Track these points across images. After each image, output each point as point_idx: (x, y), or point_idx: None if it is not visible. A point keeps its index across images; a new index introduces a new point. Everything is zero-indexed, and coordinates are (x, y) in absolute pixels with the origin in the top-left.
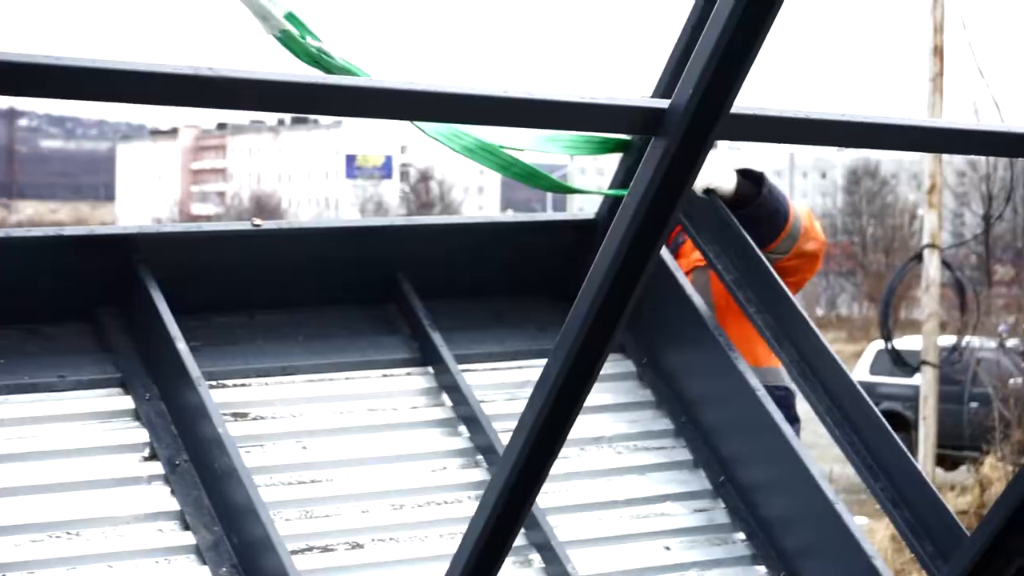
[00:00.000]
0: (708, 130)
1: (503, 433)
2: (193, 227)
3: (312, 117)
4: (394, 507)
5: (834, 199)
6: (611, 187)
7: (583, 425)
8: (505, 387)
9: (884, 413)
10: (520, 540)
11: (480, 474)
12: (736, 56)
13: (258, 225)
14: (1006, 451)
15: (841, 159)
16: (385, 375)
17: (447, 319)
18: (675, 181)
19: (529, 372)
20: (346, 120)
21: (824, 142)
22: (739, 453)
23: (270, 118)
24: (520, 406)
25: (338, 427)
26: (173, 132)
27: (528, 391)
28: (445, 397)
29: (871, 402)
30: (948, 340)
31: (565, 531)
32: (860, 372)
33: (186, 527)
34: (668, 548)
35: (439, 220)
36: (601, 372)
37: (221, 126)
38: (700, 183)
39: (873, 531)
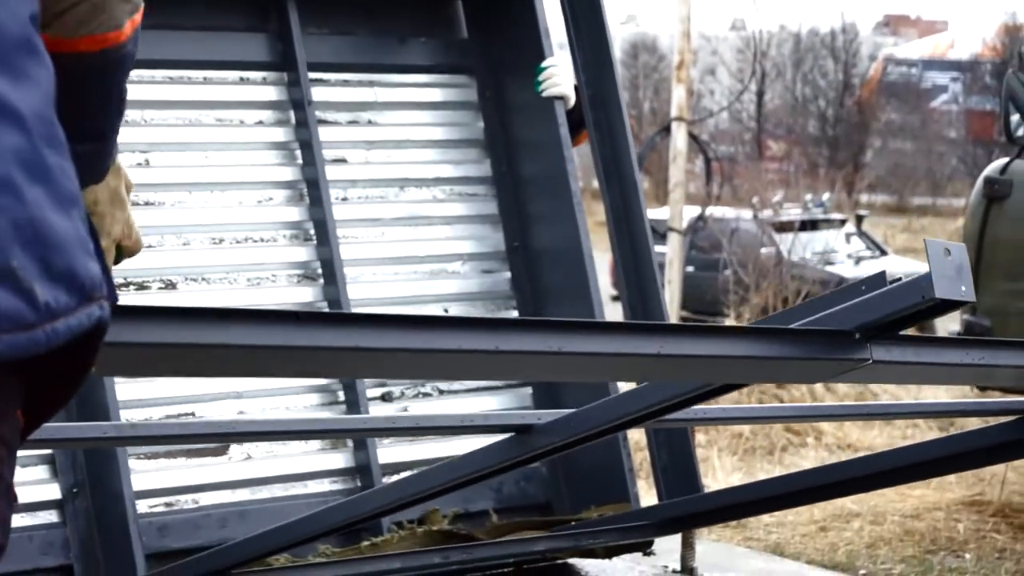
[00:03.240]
0: None
1: (331, 165)
2: None
3: None
4: (213, 241)
5: None
6: None
7: (412, 160)
8: (351, 107)
9: None
10: (315, 294)
11: (299, 213)
12: None
13: None
14: (745, 314)
15: (620, 32)
16: (242, 79)
17: (317, 21)
18: None
19: (378, 92)
20: None
21: None
22: (537, 213)
23: None
24: (360, 130)
25: (182, 141)
26: None
27: (370, 114)
28: (292, 115)
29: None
30: (722, 211)
31: (358, 289)
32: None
33: None
34: (446, 310)
35: None
36: (444, 98)
37: None
38: (560, 91)
39: None
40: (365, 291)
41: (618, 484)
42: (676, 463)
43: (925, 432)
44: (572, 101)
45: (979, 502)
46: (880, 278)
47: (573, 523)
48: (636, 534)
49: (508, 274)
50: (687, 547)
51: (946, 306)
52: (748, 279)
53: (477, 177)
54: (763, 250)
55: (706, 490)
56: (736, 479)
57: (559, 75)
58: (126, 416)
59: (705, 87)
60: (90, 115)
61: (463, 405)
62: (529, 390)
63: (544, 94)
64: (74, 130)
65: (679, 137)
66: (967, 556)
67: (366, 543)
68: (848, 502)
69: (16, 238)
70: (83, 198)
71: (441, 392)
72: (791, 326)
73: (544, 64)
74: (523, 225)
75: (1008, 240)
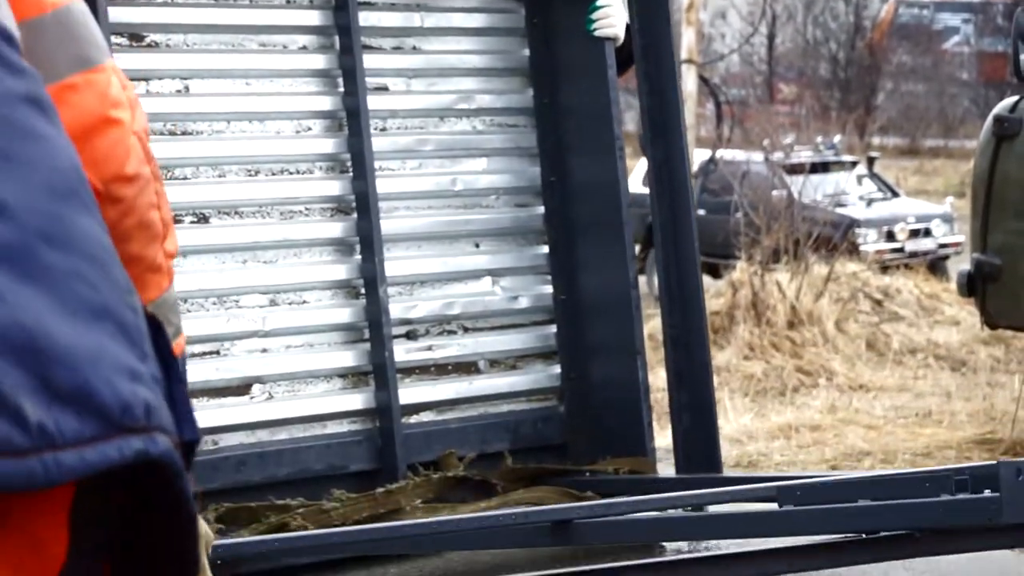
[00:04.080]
0: None
1: (372, 94)
2: None
3: None
4: (249, 174)
5: None
6: None
7: (454, 89)
8: (396, 33)
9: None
10: (346, 229)
11: (336, 144)
12: None
13: None
14: (756, 256)
15: None
16: (288, 1)
17: None
18: None
19: (424, 16)
20: None
21: None
22: (576, 148)
23: None
24: (404, 58)
25: (223, 68)
26: None
27: (415, 40)
28: (336, 40)
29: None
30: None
31: (390, 224)
32: (633, 185)
33: None
34: (478, 246)
35: None
36: (491, 23)
37: None
38: (613, 32)
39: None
40: (397, 225)
41: (636, 437)
42: (694, 406)
43: (937, 372)
44: (622, 40)
45: (990, 440)
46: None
47: (587, 473)
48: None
49: (542, 209)
50: None
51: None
52: (759, 221)
53: (518, 108)
54: (774, 192)
55: (720, 432)
56: (747, 419)
57: (614, 15)
58: None
59: (716, 30)
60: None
61: (486, 342)
62: (554, 328)
63: (596, 33)
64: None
65: (689, 80)
66: None
67: (380, 490)
68: (859, 441)
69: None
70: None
71: (466, 330)
72: None
73: (599, 3)
74: (561, 159)
75: (1018, 178)
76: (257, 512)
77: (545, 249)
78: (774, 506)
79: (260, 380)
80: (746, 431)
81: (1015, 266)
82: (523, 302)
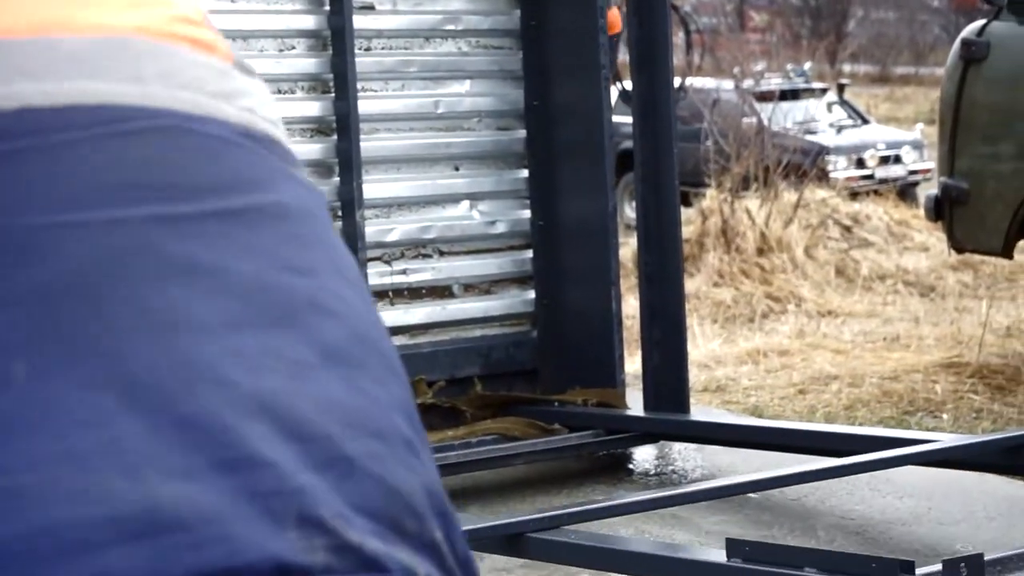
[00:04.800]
0: None
1: (359, 13)
2: None
3: None
4: None
5: None
6: None
7: (440, 9)
8: None
9: (624, 152)
10: (326, 150)
11: (320, 64)
12: None
13: None
14: (726, 183)
15: None
16: None
17: None
18: None
19: None
20: None
21: None
22: (561, 70)
23: None
24: None
25: None
26: None
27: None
28: None
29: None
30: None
31: (371, 145)
32: None
33: None
34: (457, 169)
35: None
36: None
37: None
38: None
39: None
40: (378, 147)
41: (606, 368)
42: (666, 343)
43: (905, 298)
44: None
45: (957, 364)
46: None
47: (556, 403)
48: (613, 445)
49: (523, 133)
50: None
51: None
52: (729, 149)
53: (504, 30)
54: (744, 120)
55: (689, 358)
56: (716, 345)
57: None
58: None
59: None
60: None
61: (461, 266)
62: (530, 253)
63: None
64: None
65: None
66: (944, 416)
67: None
68: (827, 365)
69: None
70: None
71: (441, 254)
72: None
73: None
74: (545, 83)
75: (985, 102)
76: None
77: (525, 173)
78: (722, 557)
79: None
80: (715, 356)
81: (982, 190)
82: (500, 227)
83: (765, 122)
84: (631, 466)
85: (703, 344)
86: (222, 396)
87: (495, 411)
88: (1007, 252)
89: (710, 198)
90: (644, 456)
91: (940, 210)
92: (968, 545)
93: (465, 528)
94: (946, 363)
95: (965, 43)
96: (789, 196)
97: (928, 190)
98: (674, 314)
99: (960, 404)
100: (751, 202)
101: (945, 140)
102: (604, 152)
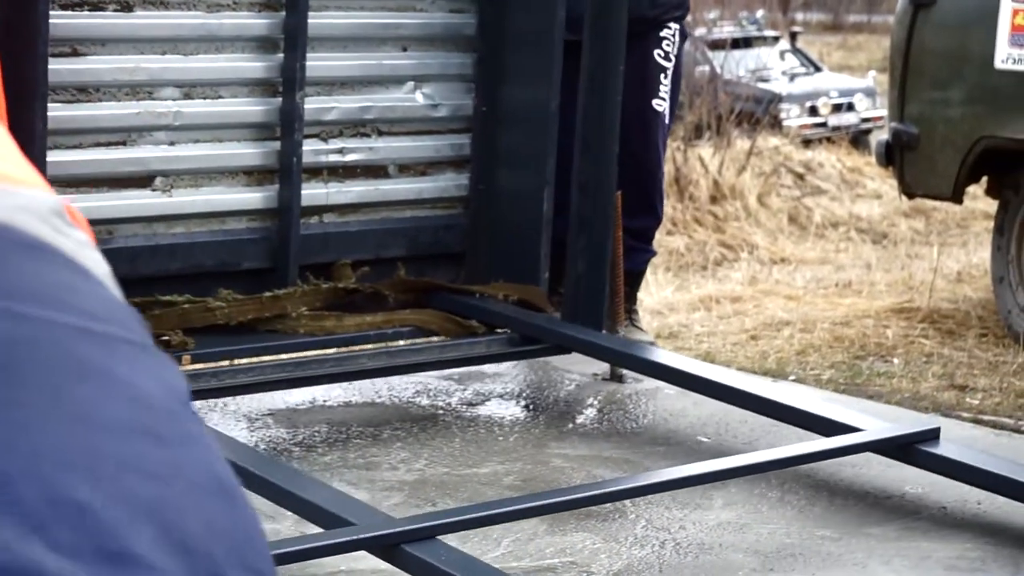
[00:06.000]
0: None
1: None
2: None
3: None
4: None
5: None
6: None
7: None
8: None
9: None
10: (273, 28)
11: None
12: None
13: None
14: (679, 132)
15: None
16: None
17: None
18: None
19: None
20: None
21: None
22: (513, 66)
23: None
24: None
25: None
26: None
27: None
28: None
29: None
30: None
31: (319, 22)
32: None
33: None
34: (405, 50)
35: None
36: None
37: None
38: None
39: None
40: (326, 24)
41: (531, 264)
42: (591, 253)
43: (858, 245)
44: None
45: (908, 309)
46: None
47: (477, 295)
48: (523, 356)
49: (475, 19)
50: None
51: None
52: (682, 97)
53: None
54: (697, 68)
55: (640, 305)
56: (669, 292)
57: None
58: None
59: None
60: None
61: (399, 147)
62: (469, 137)
63: None
64: None
65: None
66: (895, 360)
67: (268, 294)
68: (779, 311)
69: None
70: None
71: (380, 133)
72: None
73: None
74: None
75: (934, 48)
76: (142, 308)
77: (474, 58)
78: None
79: (163, 173)
80: (667, 303)
81: (931, 135)
82: (443, 110)
83: (718, 70)
84: (577, 416)
85: (656, 291)
86: (119, 492)
87: (417, 296)
88: (956, 197)
89: None
90: (587, 400)
91: (891, 155)
92: None
93: (338, 540)
94: (897, 308)
95: None
96: (742, 144)
97: (880, 136)
98: (602, 225)
99: (911, 348)
100: (704, 150)
101: (895, 85)
102: (554, 43)
